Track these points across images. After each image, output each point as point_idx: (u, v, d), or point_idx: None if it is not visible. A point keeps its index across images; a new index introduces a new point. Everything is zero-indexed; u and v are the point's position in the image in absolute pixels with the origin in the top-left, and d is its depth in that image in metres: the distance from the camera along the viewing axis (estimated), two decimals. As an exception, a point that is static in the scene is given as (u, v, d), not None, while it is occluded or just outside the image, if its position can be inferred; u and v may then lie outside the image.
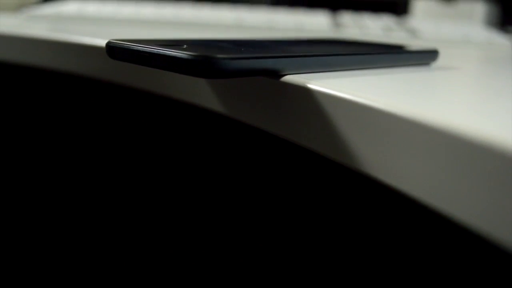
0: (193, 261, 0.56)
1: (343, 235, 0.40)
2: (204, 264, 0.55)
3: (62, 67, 0.39)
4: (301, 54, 0.23)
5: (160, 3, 0.73)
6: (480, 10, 0.81)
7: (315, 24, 0.60)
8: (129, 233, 0.61)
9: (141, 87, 0.33)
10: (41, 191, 0.65)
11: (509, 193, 0.14)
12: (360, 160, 0.19)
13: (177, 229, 0.57)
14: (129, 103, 0.53)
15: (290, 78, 0.22)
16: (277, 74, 0.23)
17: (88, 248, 0.64)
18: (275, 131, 0.24)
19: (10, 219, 0.67)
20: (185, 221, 0.56)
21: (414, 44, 0.55)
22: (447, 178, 0.16)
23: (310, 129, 0.22)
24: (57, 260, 0.65)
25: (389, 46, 0.32)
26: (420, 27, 0.62)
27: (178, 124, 0.51)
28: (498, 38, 0.59)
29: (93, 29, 0.50)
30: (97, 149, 0.60)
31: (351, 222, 0.39)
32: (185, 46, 0.23)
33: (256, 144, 0.44)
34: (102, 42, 0.36)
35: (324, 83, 0.21)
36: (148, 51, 0.22)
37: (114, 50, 0.24)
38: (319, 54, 0.24)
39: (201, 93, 0.28)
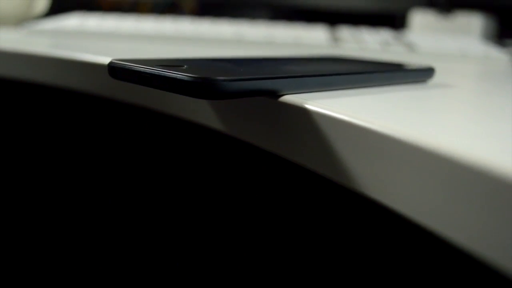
0: (190, 273, 0.56)
1: (338, 252, 0.40)
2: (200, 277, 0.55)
3: (64, 84, 0.40)
4: (299, 74, 0.24)
5: (160, 17, 0.74)
6: (478, 23, 0.82)
7: (313, 39, 0.61)
8: (129, 247, 0.61)
9: (142, 104, 0.34)
10: (43, 207, 0.65)
11: (501, 215, 0.14)
12: (356, 179, 0.20)
13: (175, 243, 0.57)
14: (130, 119, 0.54)
15: (288, 98, 0.23)
16: (275, 95, 0.23)
17: (86, 253, 0.64)
18: (273, 150, 0.24)
19: (11, 226, 0.67)
20: (183, 234, 0.56)
21: (411, 59, 0.56)
22: (441, 199, 0.16)
23: (308, 148, 0.22)
24: (55, 261, 0.66)
25: (385, 64, 0.33)
26: (417, 41, 0.63)
27: (179, 141, 0.52)
28: (495, 52, 0.59)
29: (95, 44, 0.51)
30: (99, 165, 0.60)
31: (346, 239, 0.39)
32: (185, 66, 0.24)
33: (254, 162, 0.45)
34: (103, 60, 0.36)
35: (321, 104, 0.22)
36: (149, 72, 0.22)
37: (116, 70, 0.25)
38: (317, 74, 0.24)
39: (200, 111, 0.29)
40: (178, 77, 0.21)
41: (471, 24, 0.82)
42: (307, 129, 0.22)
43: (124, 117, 0.54)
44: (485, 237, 0.15)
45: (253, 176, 0.46)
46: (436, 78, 0.36)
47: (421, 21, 0.84)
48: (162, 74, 0.22)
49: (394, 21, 0.93)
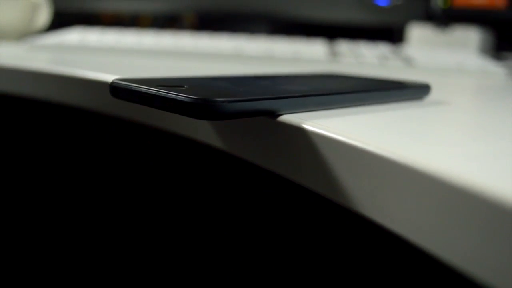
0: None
1: (334, 267, 0.41)
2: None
3: (66, 100, 0.40)
4: (297, 94, 0.24)
5: (160, 31, 0.74)
6: (475, 37, 0.82)
7: (312, 53, 0.61)
8: (129, 261, 0.61)
9: (142, 121, 0.34)
10: (44, 220, 0.66)
11: (494, 238, 0.14)
12: (353, 199, 0.20)
13: (174, 258, 0.57)
14: (130, 136, 0.54)
15: (286, 118, 0.23)
16: (274, 114, 0.24)
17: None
18: (272, 168, 0.25)
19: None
20: (181, 248, 0.56)
21: (409, 74, 0.57)
22: (434, 220, 0.16)
23: (306, 167, 0.23)
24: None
25: (382, 81, 0.34)
26: (415, 55, 0.64)
27: (179, 157, 0.52)
28: (491, 67, 0.60)
29: (96, 60, 0.51)
30: (100, 180, 0.61)
31: (342, 255, 0.40)
32: (185, 86, 0.24)
33: (252, 179, 0.45)
34: (105, 77, 0.37)
35: (318, 124, 0.22)
36: (150, 92, 0.23)
37: (118, 90, 0.25)
38: (314, 94, 0.25)
39: (200, 129, 0.29)
40: (178, 98, 0.21)
41: (469, 38, 0.82)
42: (304, 149, 0.22)
43: (125, 133, 0.55)
44: (478, 258, 0.15)
45: (251, 192, 0.46)
46: (433, 94, 0.36)
47: (419, 34, 0.85)
48: (163, 95, 0.22)
49: (392, 34, 0.93)
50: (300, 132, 0.22)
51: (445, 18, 0.84)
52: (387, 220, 0.19)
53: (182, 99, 0.21)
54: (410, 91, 0.31)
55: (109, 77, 0.36)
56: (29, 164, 0.64)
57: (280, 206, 0.44)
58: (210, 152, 0.48)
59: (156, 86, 0.23)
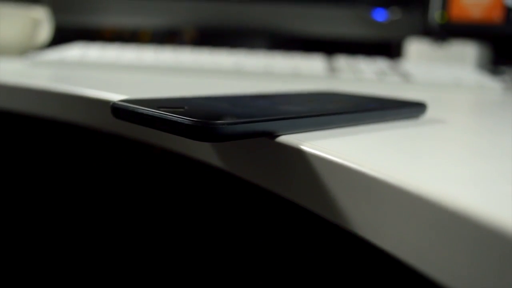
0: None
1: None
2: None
3: (69, 118, 0.41)
4: (294, 116, 0.25)
5: (161, 47, 0.75)
6: (472, 52, 0.83)
7: (311, 69, 0.62)
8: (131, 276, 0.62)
9: (143, 140, 0.35)
10: (45, 236, 0.66)
11: (486, 261, 0.15)
12: (349, 219, 0.21)
13: (174, 273, 0.57)
14: (132, 154, 0.55)
15: (284, 139, 0.24)
16: (272, 135, 0.24)
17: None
18: (270, 188, 0.25)
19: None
20: (180, 264, 0.56)
21: (407, 89, 0.57)
22: (426, 242, 0.17)
23: (303, 187, 0.23)
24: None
25: (379, 100, 0.34)
26: (413, 71, 0.64)
27: (179, 176, 0.53)
28: (488, 82, 0.61)
29: (97, 77, 0.52)
30: (100, 198, 0.61)
31: (338, 273, 0.40)
32: (186, 107, 0.25)
33: (251, 197, 0.46)
34: (107, 95, 0.37)
35: (316, 145, 0.23)
36: (151, 114, 0.24)
37: (119, 111, 0.26)
38: (312, 114, 0.26)
39: (200, 149, 0.30)
40: (178, 121, 0.22)
41: (466, 53, 0.83)
42: (302, 169, 0.23)
43: (126, 151, 0.55)
44: (473, 281, 0.15)
45: (250, 210, 0.47)
46: (429, 112, 0.37)
47: (416, 49, 0.85)
48: (164, 117, 0.23)
49: (390, 49, 0.94)
50: (298, 153, 0.23)
51: (442, 33, 0.85)
52: (381, 240, 0.19)
53: (182, 122, 0.22)
54: (406, 110, 0.32)
55: (110, 96, 0.37)
56: (29, 180, 0.65)
57: (279, 224, 0.44)
58: (211, 171, 0.49)
59: (157, 108, 0.24)
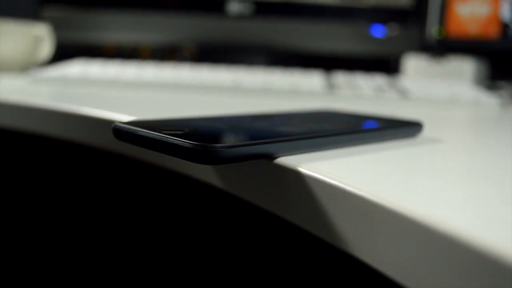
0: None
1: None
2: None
3: (71, 137, 0.41)
4: (293, 138, 0.25)
5: (161, 63, 0.76)
6: (469, 67, 0.84)
7: (309, 86, 0.63)
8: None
9: (143, 159, 0.35)
10: (45, 255, 0.66)
11: (478, 285, 0.15)
12: (346, 241, 0.21)
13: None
14: (132, 172, 0.55)
15: (283, 161, 0.24)
16: (270, 157, 0.25)
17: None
18: (269, 208, 0.25)
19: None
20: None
21: (404, 106, 0.58)
22: (423, 265, 0.17)
23: (301, 209, 0.23)
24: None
25: (376, 119, 0.35)
26: (410, 87, 0.65)
27: (179, 195, 0.53)
28: (485, 98, 0.61)
29: (98, 95, 0.52)
30: (100, 218, 0.61)
31: None
32: (186, 130, 0.25)
33: (250, 217, 0.46)
34: (108, 115, 0.38)
35: (313, 167, 0.23)
36: (152, 137, 0.24)
37: (121, 133, 0.26)
38: (310, 136, 0.26)
39: (200, 169, 0.30)
40: (179, 144, 0.22)
41: (463, 68, 0.84)
42: (300, 190, 0.23)
43: (127, 170, 0.56)
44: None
45: (248, 230, 0.47)
46: (426, 130, 0.37)
47: (414, 65, 0.86)
48: (164, 140, 0.23)
49: (388, 65, 0.95)
50: (295, 175, 0.23)
51: (440, 49, 0.86)
52: (378, 263, 0.19)
53: (183, 145, 0.22)
54: (403, 130, 0.32)
55: (112, 115, 0.37)
56: (29, 199, 0.65)
57: (278, 246, 0.45)
58: (211, 191, 0.49)
59: (158, 131, 0.24)
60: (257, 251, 0.47)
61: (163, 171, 0.49)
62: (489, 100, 0.61)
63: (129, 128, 0.26)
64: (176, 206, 0.55)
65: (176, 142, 0.23)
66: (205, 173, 0.30)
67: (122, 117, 0.37)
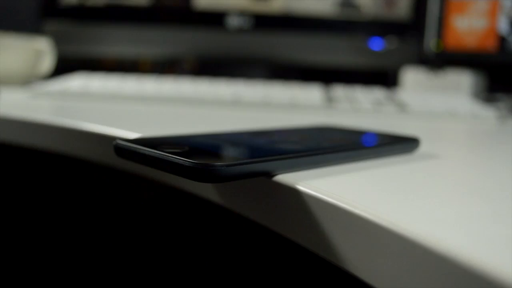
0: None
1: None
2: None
3: (72, 152, 0.42)
4: (292, 156, 0.26)
5: (161, 76, 0.76)
6: (467, 80, 0.85)
7: (308, 99, 0.63)
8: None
9: (143, 174, 0.36)
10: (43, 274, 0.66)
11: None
12: (343, 258, 0.21)
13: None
14: (131, 187, 0.56)
15: (281, 178, 0.25)
16: (269, 175, 0.25)
17: None
18: (268, 225, 0.26)
19: None
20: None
21: (402, 119, 0.58)
22: (419, 284, 0.18)
23: (299, 226, 0.24)
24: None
25: (373, 135, 0.35)
26: (408, 100, 0.66)
27: (181, 211, 0.53)
28: (482, 111, 0.62)
29: (98, 109, 0.53)
30: (101, 232, 0.61)
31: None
32: (186, 147, 0.26)
33: (248, 233, 0.46)
34: (110, 131, 0.38)
35: (311, 184, 0.23)
36: (152, 155, 0.24)
37: (122, 151, 0.27)
38: (308, 154, 0.27)
39: (200, 186, 0.30)
40: (179, 162, 0.23)
41: (461, 81, 0.85)
42: (298, 208, 0.24)
43: (128, 186, 0.56)
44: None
45: (247, 247, 0.47)
46: (424, 145, 0.38)
47: (412, 78, 0.87)
48: (165, 158, 0.24)
49: (387, 78, 0.96)
50: (293, 193, 0.24)
51: (438, 62, 0.87)
52: (375, 280, 0.20)
53: (183, 164, 0.23)
54: (400, 146, 0.33)
55: (113, 131, 0.38)
56: (30, 214, 0.65)
57: (276, 261, 0.45)
58: (211, 207, 0.49)
59: (159, 149, 0.25)
60: (256, 267, 0.48)
61: (163, 187, 0.50)
62: (487, 114, 0.61)
63: (130, 146, 0.26)
64: (176, 221, 0.55)
65: (176, 160, 0.23)
66: (205, 189, 0.30)
67: (123, 133, 0.37)
